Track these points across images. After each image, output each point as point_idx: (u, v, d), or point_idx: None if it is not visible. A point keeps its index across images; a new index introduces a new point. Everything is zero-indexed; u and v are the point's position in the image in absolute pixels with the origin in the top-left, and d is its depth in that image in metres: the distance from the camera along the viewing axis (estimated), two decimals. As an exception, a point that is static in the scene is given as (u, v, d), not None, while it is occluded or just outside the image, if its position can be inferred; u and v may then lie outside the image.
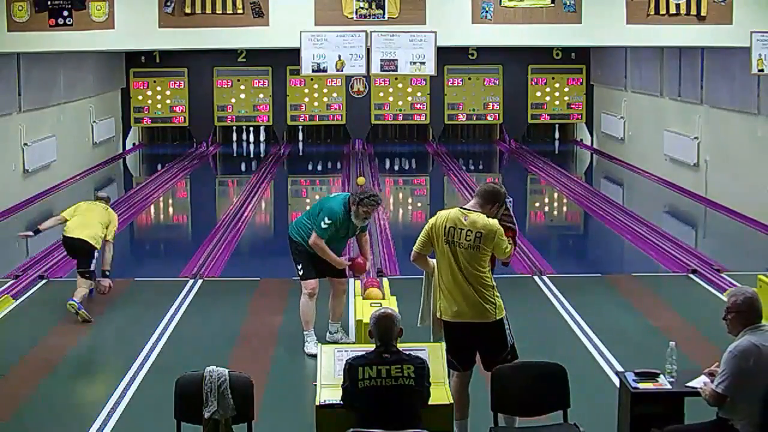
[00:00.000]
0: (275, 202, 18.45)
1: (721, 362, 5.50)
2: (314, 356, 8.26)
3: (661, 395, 5.98)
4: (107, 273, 10.20)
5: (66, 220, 10.29)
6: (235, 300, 10.53)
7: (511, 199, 6.66)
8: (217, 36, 11.78)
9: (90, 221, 10.15)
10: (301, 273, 8.65)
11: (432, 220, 6.52)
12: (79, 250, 10.09)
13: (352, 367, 5.57)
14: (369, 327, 5.78)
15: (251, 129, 24.96)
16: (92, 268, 10.06)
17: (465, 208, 6.47)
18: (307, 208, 17.41)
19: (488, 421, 6.05)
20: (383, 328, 5.66)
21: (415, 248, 6.61)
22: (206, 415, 5.67)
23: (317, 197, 19.19)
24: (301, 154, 23.92)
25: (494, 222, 6.43)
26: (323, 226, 8.42)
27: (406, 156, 23.88)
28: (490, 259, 6.50)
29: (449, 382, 6.33)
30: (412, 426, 5.44)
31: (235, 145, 24.77)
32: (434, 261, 6.63)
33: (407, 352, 5.73)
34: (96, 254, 10.08)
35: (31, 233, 10.66)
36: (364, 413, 5.52)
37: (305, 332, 8.65)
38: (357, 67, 11.76)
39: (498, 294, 6.49)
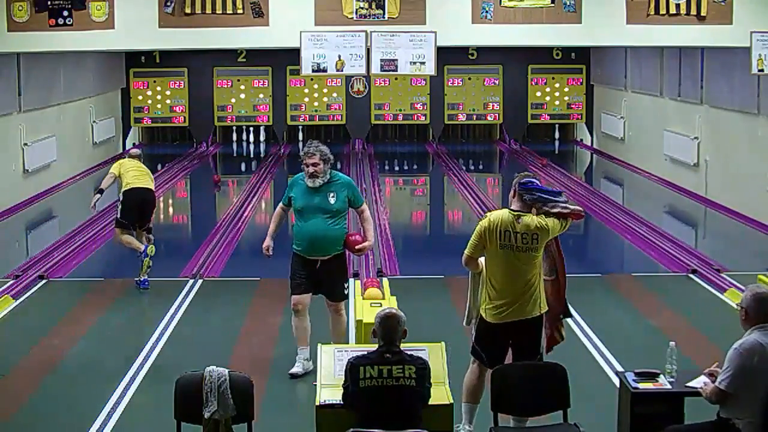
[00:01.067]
0: (275, 202, 18.42)
1: (726, 359, 5.50)
2: (296, 376, 7.97)
3: (661, 395, 5.98)
4: None
5: (116, 176, 10.98)
6: (235, 300, 10.53)
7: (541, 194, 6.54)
8: (217, 36, 11.77)
9: (144, 174, 11.09)
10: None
11: (484, 224, 6.41)
12: (148, 202, 11.04)
13: (353, 367, 5.58)
14: (373, 326, 5.78)
15: (251, 129, 24.97)
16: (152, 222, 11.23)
17: (515, 211, 6.40)
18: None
19: (488, 421, 6.05)
20: (388, 328, 5.66)
21: (467, 252, 6.49)
22: (206, 415, 5.67)
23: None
24: (301, 154, 23.85)
25: (545, 220, 6.39)
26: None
27: (406, 156, 23.88)
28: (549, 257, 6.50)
29: (448, 384, 6.32)
30: (413, 426, 5.43)
31: (235, 145, 24.78)
32: (482, 260, 6.57)
33: (409, 353, 5.72)
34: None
35: (98, 196, 11.10)
36: (365, 413, 5.51)
37: (297, 348, 8.19)
38: (357, 67, 11.75)
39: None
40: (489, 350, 6.45)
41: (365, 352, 5.74)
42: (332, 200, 7.93)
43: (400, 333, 5.69)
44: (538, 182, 6.52)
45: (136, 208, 10.93)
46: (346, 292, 8.12)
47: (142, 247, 10.84)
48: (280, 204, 8.28)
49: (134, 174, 10.98)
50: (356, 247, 8.02)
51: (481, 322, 6.48)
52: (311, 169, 7.89)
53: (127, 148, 23.59)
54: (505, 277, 6.34)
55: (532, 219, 6.38)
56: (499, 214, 6.42)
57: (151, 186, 11.14)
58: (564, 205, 6.47)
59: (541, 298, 6.44)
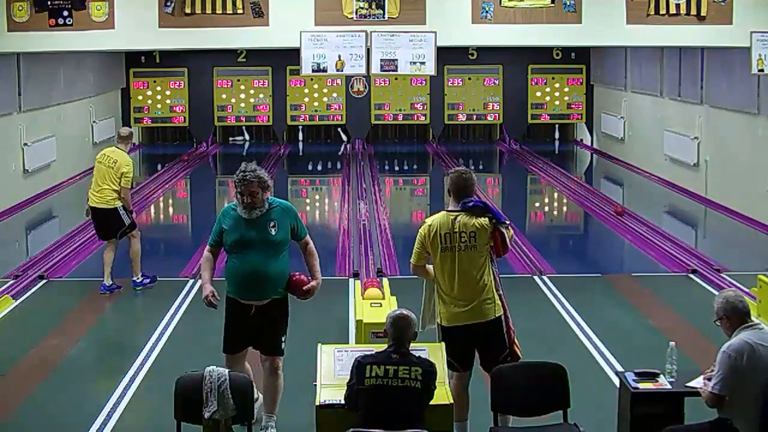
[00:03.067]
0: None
1: (716, 362, 5.50)
2: None
3: (661, 395, 5.98)
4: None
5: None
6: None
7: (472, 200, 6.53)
8: (217, 36, 11.77)
9: (100, 184, 10.57)
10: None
11: (423, 230, 6.45)
12: (102, 219, 10.59)
13: (360, 365, 5.60)
14: (385, 326, 5.79)
15: (251, 129, 24.98)
16: (127, 223, 10.65)
17: (451, 211, 6.44)
18: (308, 208, 17.35)
19: (488, 421, 6.05)
20: (399, 329, 5.68)
21: (412, 261, 6.55)
22: (206, 415, 5.67)
23: (317, 197, 19.23)
24: (301, 154, 23.92)
25: (483, 219, 6.41)
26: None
27: (406, 156, 23.88)
28: (493, 250, 6.45)
29: (449, 383, 6.33)
30: (414, 427, 5.43)
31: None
32: (431, 266, 6.58)
33: (417, 355, 5.73)
34: (121, 211, 10.61)
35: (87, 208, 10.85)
36: (367, 412, 5.51)
37: None
38: (357, 67, 11.75)
39: (500, 291, 6.47)
40: (455, 354, 6.41)
41: (373, 351, 5.75)
42: (273, 231, 6.60)
43: (411, 335, 5.70)
44: (477, 193, 6.56)
45: (95, 223, 10.83)
46: (282, 346, 6.81)
47: (107, 277, 10.63)
48: (207, 246, 6.82)
49: (94, 186, 10.64)
50: (303, 288, 6.71)
51: (441, 329, 6.48)
52: (248, 200, 6.54)
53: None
54: (453, 280, 6.36)
55: (469, 218, 6.40)
56: (437, 218, 6.45)
57: (101, 200, 10.56)
58: (505, 233, 6.43)
59: (496, 301, 6.41)
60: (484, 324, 6.38)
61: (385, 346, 5.78)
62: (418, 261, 6.53)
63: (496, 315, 6.42)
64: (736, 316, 5.55)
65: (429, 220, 6.49)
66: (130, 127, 23.96)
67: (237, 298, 6.66)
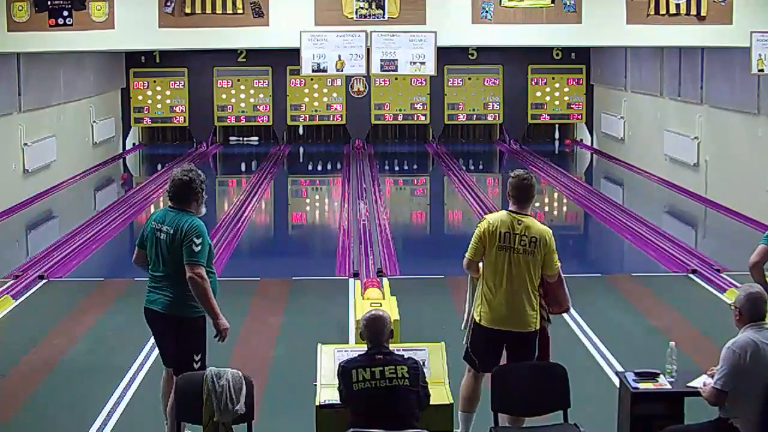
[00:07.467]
0: (275, 202, 18.45)
1: (720, 358, 5.51)
2: None
3: (661, 395, 5.98)
4: None
5: None
6: (235, 300, 10.51)
7: None
8: (217, 36, 11.78)
9: None
10: (198, 365, 6.47)
11: (483, 225, 6.32)
12: None
13: (345, 370, 5.53)
14: (359, 329, 5.75)
15: (252, 129, 24.99)
16: None
17: (515, 212, 6.33)
18: (308, 208, 17.32)
19: (488, 421, 6.05)
20: (375, 330, 5.63)
21: (468, 255, 6.38)
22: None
23: (317, 197, 19.23)
24: (301, 154, 23.91)
25: (547, 228, 6.37)
26: (195, 249, 6.12)
27: (406, 156, 23.88)
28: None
29: (449, 383, 6.31)
30: (410, 426, 5.42)
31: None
32: (481, 265, 6.45)
33: (399, 353, 5.70)
34: None
35: None
36: (362, 415, 5.49)
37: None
38: (357, 67, 11.76)
39: (541, 304, 6.41)
40: (481, 355, 6.36)
41: (355, 355, 5.71)
42: None
43: (387, 334, 5.66)
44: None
45: None
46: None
47: None
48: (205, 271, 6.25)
49: None
50: None
51: (476, 326, 6.39)
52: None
53: (127, 149, 23.60)
54: (501, 280, 6.27)
55: (533, 222, 6.33)
56: (498, 216, 6.36)
57: None
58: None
59: (537, 315, 6.36)
60: (521, 335, 6.31)
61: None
62: (473, 256, 6.36)
63: (535, 328, 6.35)
64: (750, 313, 5.53)
65: (489, 217, 6.40)
66: (131, 127, 23.99)
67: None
